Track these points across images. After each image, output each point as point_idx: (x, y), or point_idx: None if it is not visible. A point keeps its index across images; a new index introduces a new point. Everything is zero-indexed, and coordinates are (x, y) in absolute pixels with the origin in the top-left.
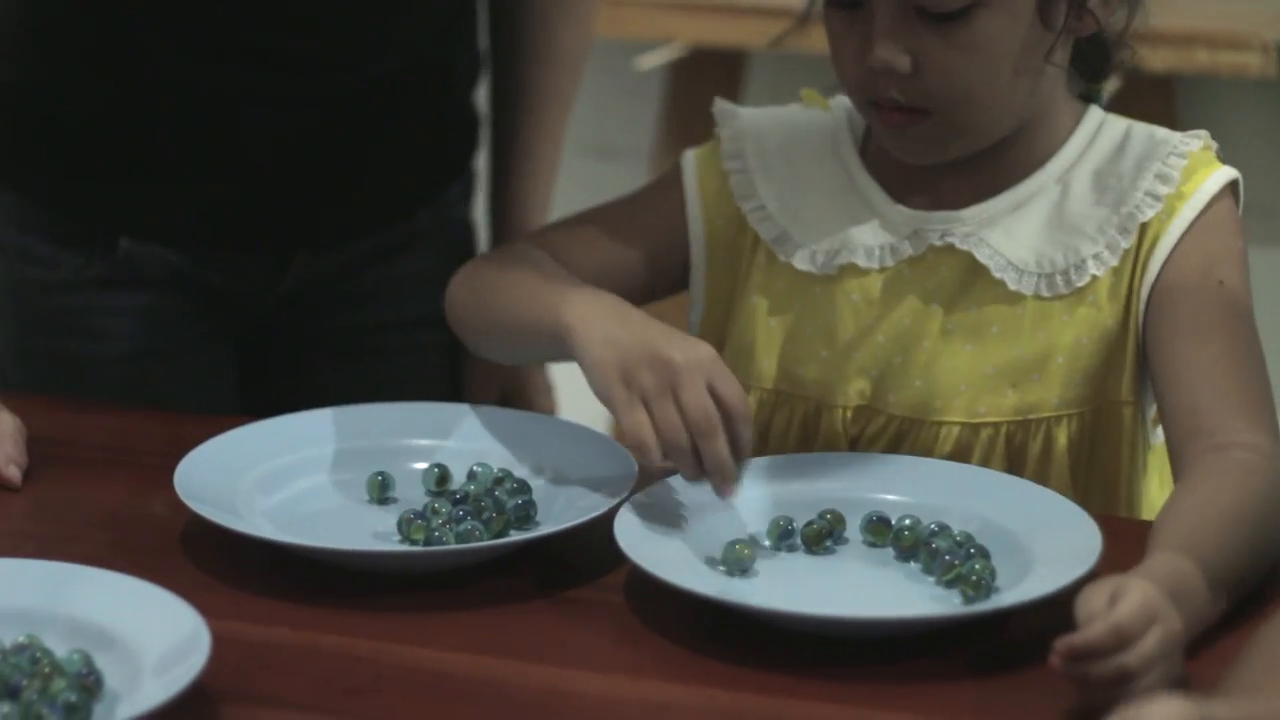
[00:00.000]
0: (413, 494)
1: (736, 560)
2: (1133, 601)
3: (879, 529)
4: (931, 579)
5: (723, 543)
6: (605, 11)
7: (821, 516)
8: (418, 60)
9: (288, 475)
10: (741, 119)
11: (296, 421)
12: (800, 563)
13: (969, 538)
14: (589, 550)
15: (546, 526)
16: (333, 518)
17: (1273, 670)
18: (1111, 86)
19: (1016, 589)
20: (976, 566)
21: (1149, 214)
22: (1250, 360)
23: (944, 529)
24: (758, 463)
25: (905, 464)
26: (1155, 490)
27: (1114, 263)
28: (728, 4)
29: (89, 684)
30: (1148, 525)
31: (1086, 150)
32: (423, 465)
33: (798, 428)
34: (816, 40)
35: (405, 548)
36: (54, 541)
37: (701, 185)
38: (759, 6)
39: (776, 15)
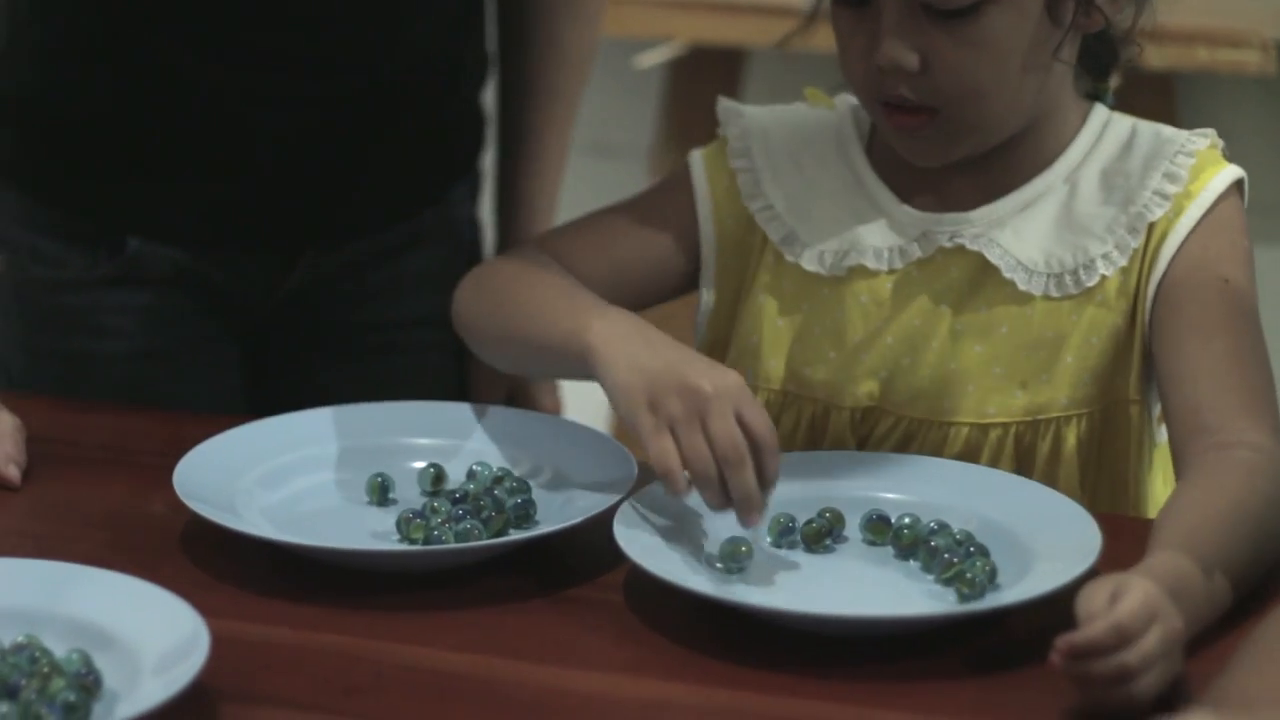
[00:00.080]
0: (413, 494)
1: (735, 558)
2: (1133, 600)
3: (878, 527)
4: (931, 577)
5: (722, 541)
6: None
7: (821, 515)
8: (425, 60)
9: (287, 474)
10: (747, 118)
11: (296, 420)
12: (800, 561)
13: (969, 536)
14: (588, 549)
15: (546, 526)
16: (332, 517)
17: (1265, 675)
18: (1111, 84)
19: (1016, 587)
20: (978, 564)
21: (1157, 213)
22: (1254, 359)
23: (943, 527)
24: None
25: (905, 462)
26: (1160, 488)
27: (1123, 263)
28: (727, 2)
29: (88, 684)
30: (1152, 524)
31: (1093, 149)
32: (422, 465)
33: (805, 429)
34: (817, 39)
35: (404, 547)
36: (53, 541)
37: (711, 185)
38: (758, 5)
39: (776, 14)
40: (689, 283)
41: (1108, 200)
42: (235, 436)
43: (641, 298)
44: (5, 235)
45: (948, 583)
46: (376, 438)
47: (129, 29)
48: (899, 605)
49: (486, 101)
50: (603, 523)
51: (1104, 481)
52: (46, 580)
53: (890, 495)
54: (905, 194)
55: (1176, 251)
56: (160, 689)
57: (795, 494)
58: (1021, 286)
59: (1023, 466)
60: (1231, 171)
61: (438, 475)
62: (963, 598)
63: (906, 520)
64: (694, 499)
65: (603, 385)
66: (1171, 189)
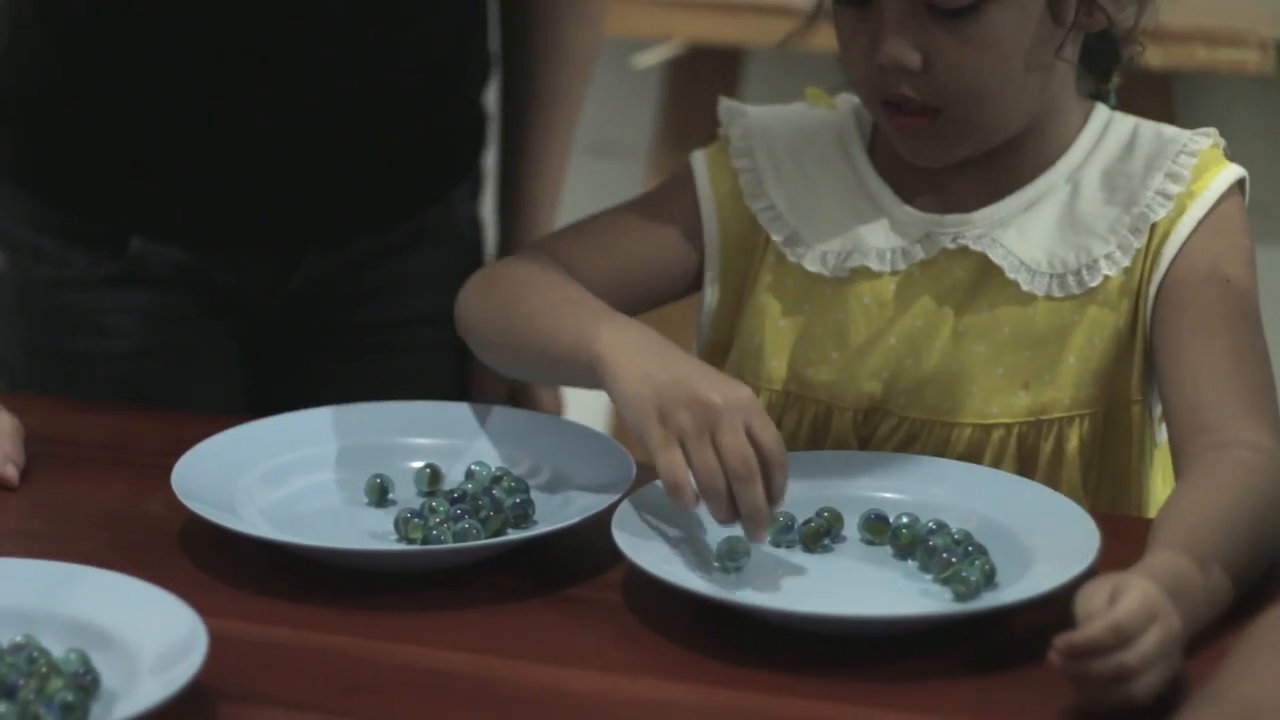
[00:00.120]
0: (411, 494)
1: (733, 557)
2: (1132, 600)
3: (877, 527)
4: (929, 577)
5: (720, 540)
6: None
7: (819, 515)
8: (429, 62)
9: (286, 474)
10: (749, 117)
11: (294, 420)
12: (798, 561)
13: (967, 536)
14: (587, 549)
15: (544, 525)
16: (330, 516)
17: (1253, 660)
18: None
19: (1015, 586)
20: (977, 563)
21: (1160, 213)
22: (1254, 358)
23: (942, 527)
24: None
25: (903, 462)
26: (1160, 487)
27: (1126, 263)
28: (725, 2)
29: (86, 683)
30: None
31: (1095, 149)
32: (420, 464)
33: (808, 429)
34: (816, 38)
35: (403, 547)
36: (52, 541)
37: (714, 185)
38: (757, 4)
39: (774, 13)
40: (693, 284)
41: (1110, 200)
42: (233, 436)
43: (646, 299)
44: (8, 234)
45: (945, 582)
46: (375, 437)
47: (132, 29)
48: (897, 605)
49: (488, 101)
50: (601, 522)
51: (1106, 482)
52: (45, 580)
53: (889, 495)
54: (907, 194)
55: (1179, 251)
56: (159, 689)
57: (794, 493)
58: (1025, 287)
59: (1025, 467)
60: (1233, 171)
61: (434, 475)
62: (958, 597)
63: (905, 520)
64: None
65: (611, 396)
66: (1174, 189)
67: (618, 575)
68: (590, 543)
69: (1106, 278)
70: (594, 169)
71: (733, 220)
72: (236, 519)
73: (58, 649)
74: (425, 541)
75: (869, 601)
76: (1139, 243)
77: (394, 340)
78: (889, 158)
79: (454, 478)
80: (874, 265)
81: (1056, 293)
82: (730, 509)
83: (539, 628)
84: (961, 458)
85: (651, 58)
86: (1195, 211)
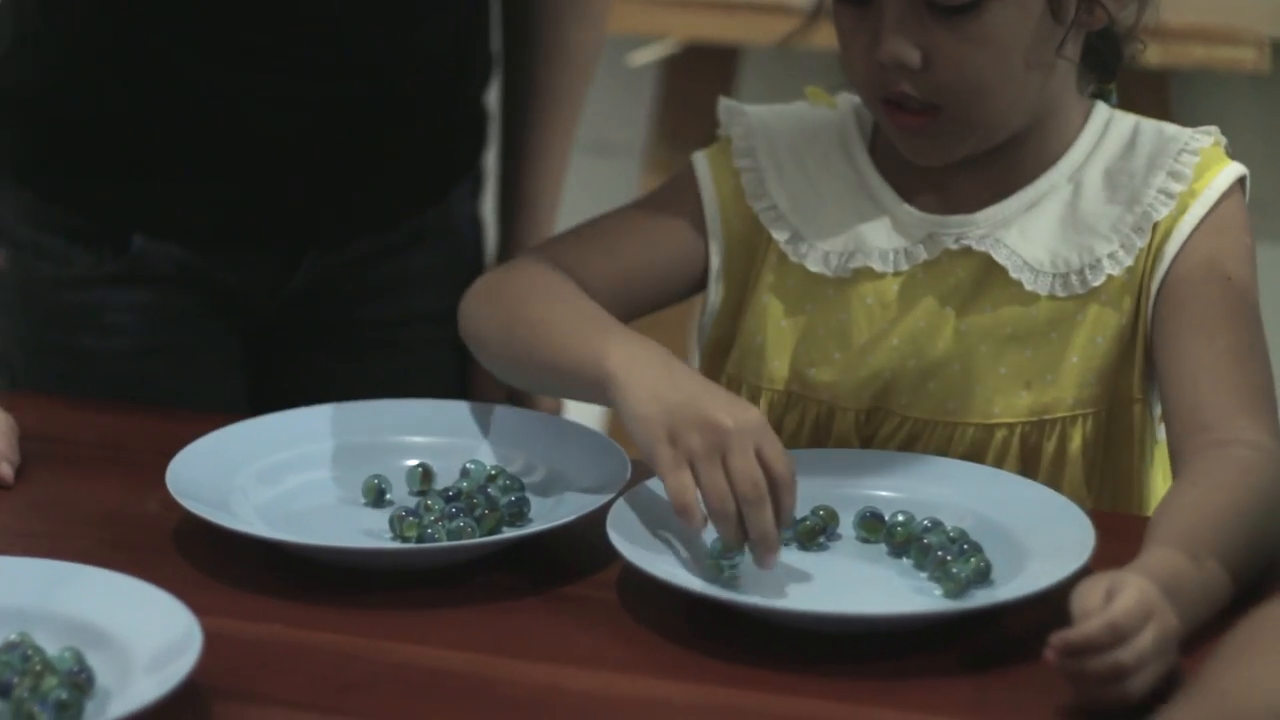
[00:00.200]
0: (408, 492)
1: (728, 555)
2: (1129, 598)
3: (872, 525)
4: (924, 575)
5: (715, 538)
6: None
7: (814, 513)
8: (430, 62)
9: (281, 472)
10: (750, 117)
11: (289, 418)
12: (793, 559)
13: (962, 534)
14: (582, 547)
15: (539, 523)
16: (326, 515)
17: (1237, 657)
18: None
19: (1010, 584)
20: (970, 561)
21: (1163, 212)
22: (1254, 357)
23: (937, 525)
24: None
25: (899, 460)
26: (1160, 485)
27: (1129, 262)
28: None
29: (80, 682)
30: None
31: (1096, 147)
32: (415, 462)
33: (809, 429)
34: (813, 37)
35: (398, 545)
36: (46, 539)
37: (717, 186)
38: (753, 2)
39: (770, 11)
40: (696, 285)
41: (1112, 199)
42: (228, 434)
43: (649, 303)
44: (10, 232)
45: (936, 579)
46: (370, 435)
47: (135, 28)
48: (892, 603)
49: (489, 101)
50: (596, 521)
51: (1109, 481)
52: (40, 578)
53: (885, 493)
54: (908, 194)
55: (1180, 249)
56: (153, 687)
57: None
58: (1028, 287)
59: (1028, 467)
60: (1234, 169)
61: (425, 474)
62: (947, 594)
63: (900, 518)
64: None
65: (621, 414)
66: (1176, 187)
67: (613, 573)
68: (586, 541)
69: (1109, 277)
70: (589, 167)
71: (735, 220)
72: (232, 517)
73: (52, 647)
74: (420, 540)
75: (864, 599)
76: (1142, 242)
77: (394, 339)
78: (890, 157)
79: (450, 476)
80: (877, 266)
81: (1059, 292)
82: (739, 532)
83: (535, 626)
84: (964, 458)
85: (647, 56)
86: (1197, 210)
